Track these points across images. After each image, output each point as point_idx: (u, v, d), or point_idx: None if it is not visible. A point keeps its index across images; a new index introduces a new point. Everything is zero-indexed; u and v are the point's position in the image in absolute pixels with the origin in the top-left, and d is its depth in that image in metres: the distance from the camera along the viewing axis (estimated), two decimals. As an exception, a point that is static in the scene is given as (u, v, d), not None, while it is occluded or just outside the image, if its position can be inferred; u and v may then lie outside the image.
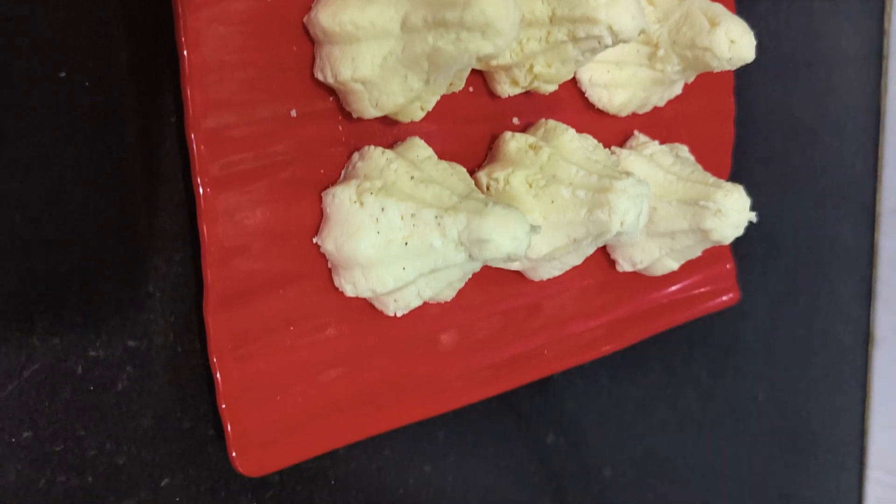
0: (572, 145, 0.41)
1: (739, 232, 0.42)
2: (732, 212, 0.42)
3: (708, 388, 0.58)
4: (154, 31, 0.34)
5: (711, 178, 0.43)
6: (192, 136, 0.33)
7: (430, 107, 0.37)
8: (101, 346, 0.33)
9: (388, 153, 0.37)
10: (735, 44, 0.40)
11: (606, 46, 0.38)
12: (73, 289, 0.32)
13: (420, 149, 0.38)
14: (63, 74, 0.32)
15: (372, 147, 0.37)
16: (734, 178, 0.53)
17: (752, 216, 0.43)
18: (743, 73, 0.51)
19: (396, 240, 0.35)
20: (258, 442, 0.36)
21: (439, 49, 0.33)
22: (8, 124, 0.30)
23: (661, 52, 0.43)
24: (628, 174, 0.39)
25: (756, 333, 0.62)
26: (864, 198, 0.68)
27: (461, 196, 0.36)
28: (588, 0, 0.36)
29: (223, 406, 0.35)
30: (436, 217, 0.35)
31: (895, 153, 0.67)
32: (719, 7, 0.42)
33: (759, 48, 0.42)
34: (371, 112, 0.36)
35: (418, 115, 0.37)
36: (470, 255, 0.35)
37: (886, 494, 0.77)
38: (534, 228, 0.35)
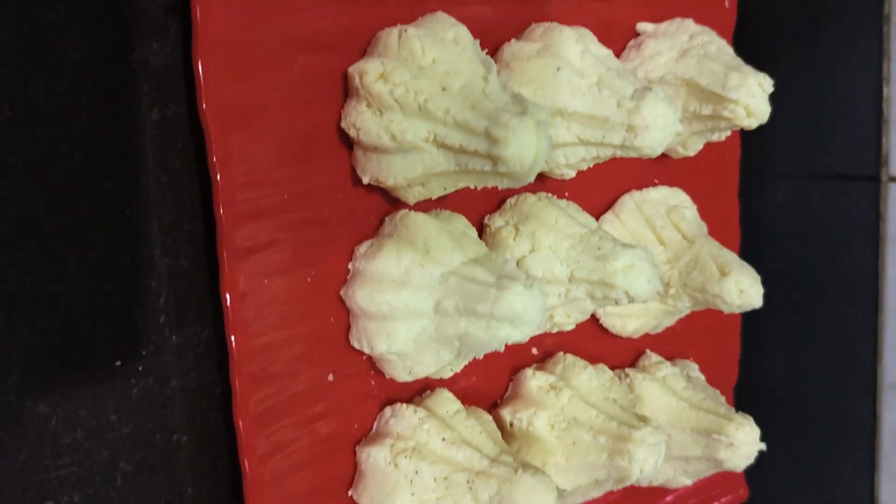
0: (591, 385, 0.44)
1: (751, 461, 0.45)
2: (744, 444, 0.44)
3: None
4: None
5: (723, 408, 0.46)
6: (240, 422, 0.35)
7: (459, 369, 0.39)
8: None
9: (420, 412, 0.39)
10: (744, 293, 0.43)
11: (626, 303, 0.40)
12: None
13: (449, 403, 0.40)
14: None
15: (404, 406, 0.39)
16: (742, 371, 0.56)
17: (762, 446, 0.45)
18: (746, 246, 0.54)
19: (430, 500, 0.37)
20: None
21: (470, 334, 0.35)
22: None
23: (672, 291, 0.46)
24: (645, 421, 0.41)
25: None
26: (867, 371, 0.70)
27: (491, 458, 0.38)
28: (605, 265, 0.39)
29: None
30: (467, 482, 0.37)
31: (894, 332, 0.69)
32: (729, 254, 0.45)
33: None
34: (404, 377, 0.38)
35: (447, 375, 0.40)
36: None
37: None
38: (560, 493, 0.37)
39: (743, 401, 0.56)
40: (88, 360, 0.34)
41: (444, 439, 0.38)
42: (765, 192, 0.59)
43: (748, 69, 0.42)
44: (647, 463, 0.40)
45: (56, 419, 0.33)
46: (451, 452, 0.38)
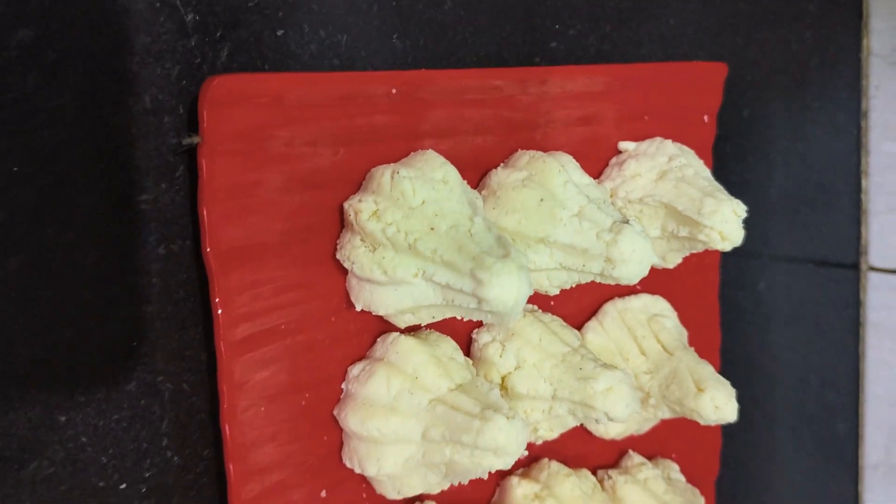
0: (574, 493, 0.45)
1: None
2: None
3: None
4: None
5: (699, 509, 0.48)
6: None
7: (446, 488, 0.41)
8: None
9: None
10: (719, 409, 0.45)
11: (606, 422, 0.42)
12: None
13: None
14: None
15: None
16: (725, 461, 0.58)
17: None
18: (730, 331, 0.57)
19: None
20: None
21: (456, 462, 0.37)
22: None
23: (652, 401, 0.48)
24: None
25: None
26: (848, 454, 0.72)
27: None
28: (586, 387, 0.41)
29: None
30: None
31: (874, 413, 0.71)
32: (706, 369, 0.47)
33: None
34: (394, 496, 0.40)
35: (435, 492, 0.41)
36: None
37: None
38: None
39: (725, 493, 0.58)
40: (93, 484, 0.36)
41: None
42: (745, 279, 0.62)
43: (723, 196, 0.44)
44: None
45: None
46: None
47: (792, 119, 0.64)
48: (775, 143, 0.63)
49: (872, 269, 0.70)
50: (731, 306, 0.59)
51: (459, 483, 0.45)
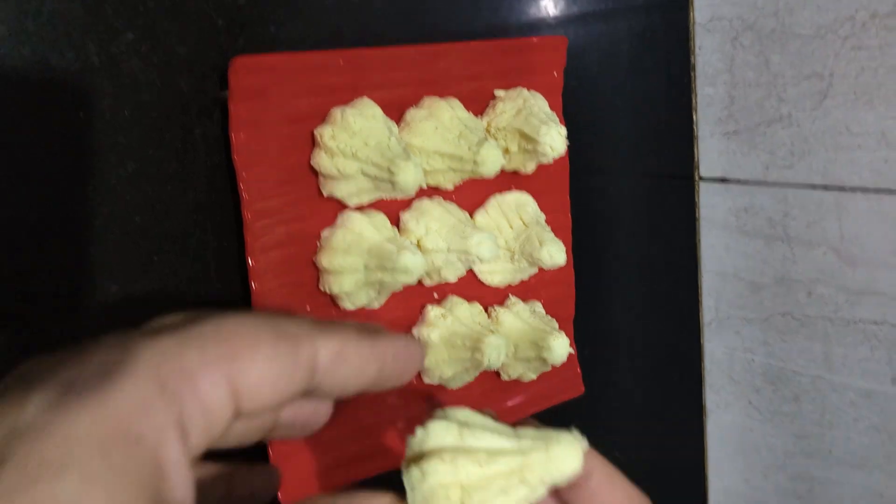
0: (465, 313, 0.72)
1: (564, 359, 0.73)
2: (557, 348, 0.72)
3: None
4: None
5: (549, 327, 0.74)
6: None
7: (382, 303, 0.68)
8: None
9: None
10: (552, 257, 0.72)
11: (479, 263, 0.69)
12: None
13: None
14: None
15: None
16: (579, 307, 0.84)
17: (571, 350, 0.73)
18: (582, 233, 0.83)
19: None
20: None
21: (384, 280, 0.64)
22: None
23: (516, 257, 0.74)
24: (494, 332, 0.69)
25: (607, 413, 0.92)
26: (689, 314, 1.00)
27: None
28: (466, 241, 0.68)
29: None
30: None
31: (708, 282, 0.99)
32: (548, 234, 0.73)
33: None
34: (349, 307, 0.67)
35: (375, 306, 0.68)
36: None
37: None
38: (445, 380, 0.65)
39: (581, 332, 0.85)
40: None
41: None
42: (598, 191, 0.88)
43: (553, 123, 0.70)
44: (492, 357, 0.68)
45: None
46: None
47: (635, 75, 0.90)
48: (621, 90, 0.89)
49: (702, 178, 0.97)
50: (584, 210, 0.85)
51: (398, 312, 0.72)
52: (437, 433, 0.36)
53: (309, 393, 0.36)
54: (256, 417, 0.36)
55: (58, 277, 0.55)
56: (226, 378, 0.31)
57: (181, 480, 0.29)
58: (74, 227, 0.56)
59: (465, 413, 0.38)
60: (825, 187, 0.88)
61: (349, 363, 0.36)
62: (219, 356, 0.31)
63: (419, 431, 0.37)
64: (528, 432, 0.38)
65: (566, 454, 0.37)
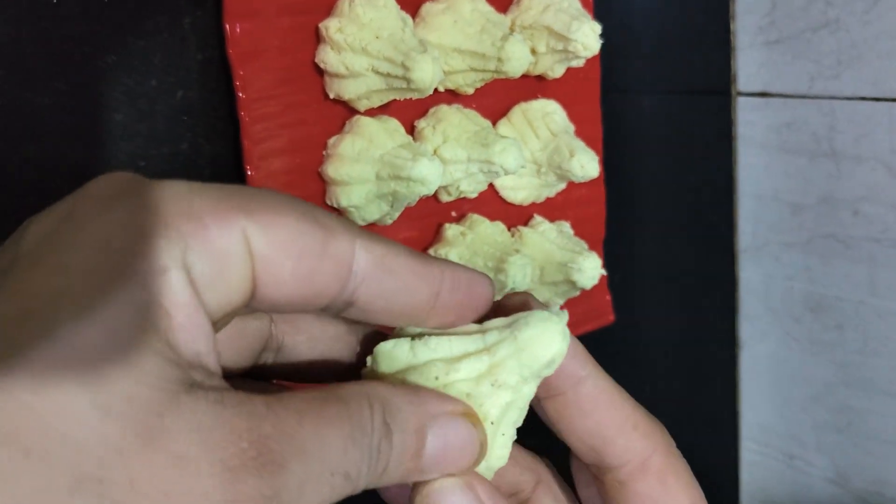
0: (487, 231, 0.66)
1: (595, 282, 0.67)
2: (587, 269, 0.66)
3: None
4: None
5: (578, 248, 0.68)
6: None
7: (395, 218, 0.61)
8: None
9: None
10: (584, 167, 0.65)
11: (503, 175, 0.62)
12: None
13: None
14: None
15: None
16: (609, 232, 0.78)
17: (603, 272, 0.67)
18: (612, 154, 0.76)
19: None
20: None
21: (397, 192, 0.57)
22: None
23: (543, 169, 0.67)
24: (518, 252, 0.63)
25: (636, 344, 0.86)
26: (725, 238, 0.93)
27: None
28: (488, 150, 0.61)
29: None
30: None
31: (745, 207, 0.92)
32: (578, 143, 0.66)
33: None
34: (360, 223, 0.60)
35: (388, 222, 0.61)
36: None
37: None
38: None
39: (609, 257, 0.78)
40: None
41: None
42: (626, 104, 0.81)
43: (585, 19, 0.63)
44: (517, 277, 0.62)
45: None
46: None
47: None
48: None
49: (740, 93, 0.89)
50: (612, 129, 0.77)
51: (414, 231, 0.65)
52: (385, 358, 0.31)
53: (344, 309, 0.30)
54: (278, 311, 0.32)
55: (30, 177, 0.49)
56: (240, 229, 0.26)
57: (190, 324, 0.25)
58: (46, 127, 0.49)
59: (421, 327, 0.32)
60: (876, 99, 0.81)
61: (395, 275, 0.29)
62: (233, 207, 0.27)
63: (368, 361, 0.32)
64: (496, 322, 0.32)
65: (540, 336, 0.30)
